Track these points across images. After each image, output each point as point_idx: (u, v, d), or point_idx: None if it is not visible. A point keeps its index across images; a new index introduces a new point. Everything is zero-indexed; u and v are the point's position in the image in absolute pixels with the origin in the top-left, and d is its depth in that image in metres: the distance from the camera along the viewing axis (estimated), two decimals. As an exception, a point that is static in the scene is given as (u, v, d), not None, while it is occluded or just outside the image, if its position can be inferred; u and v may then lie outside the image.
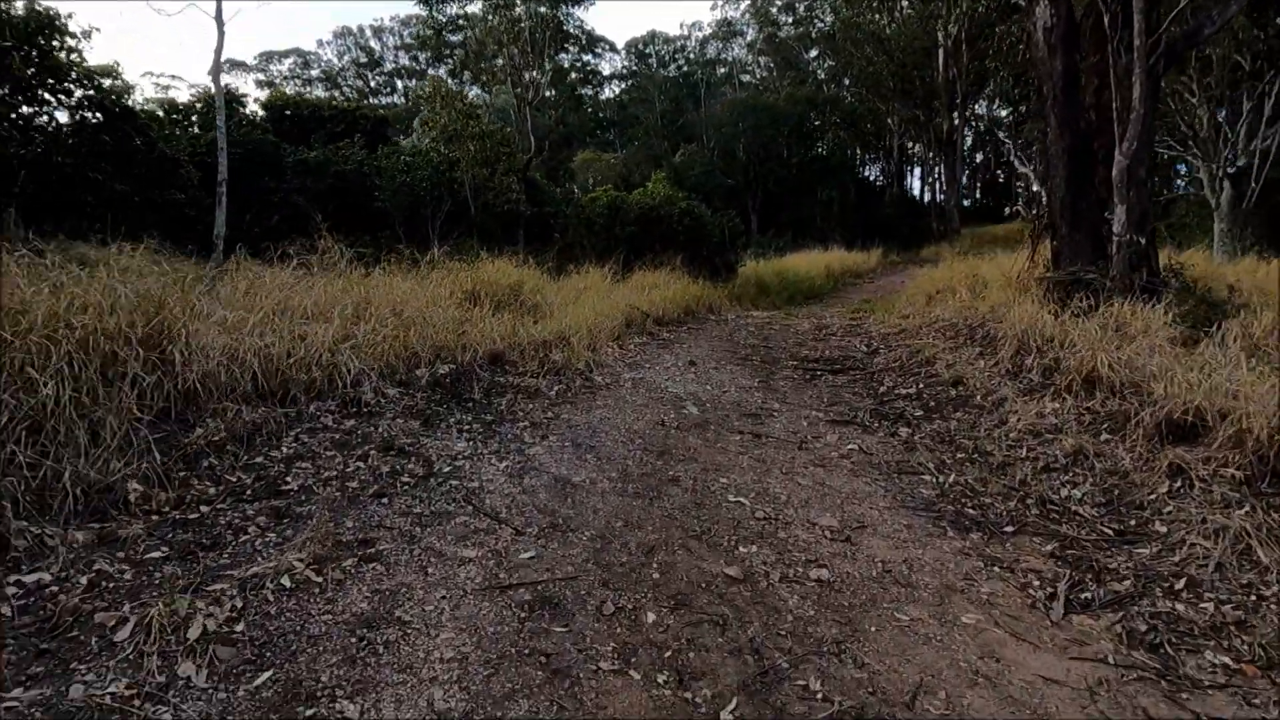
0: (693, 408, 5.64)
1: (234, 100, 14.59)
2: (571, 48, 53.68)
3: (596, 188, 16.38)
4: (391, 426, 4.33)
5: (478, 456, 4.21)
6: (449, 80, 37.92)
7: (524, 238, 13.63)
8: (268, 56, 59.40)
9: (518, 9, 20.58)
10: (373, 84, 62.43)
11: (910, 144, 47.85)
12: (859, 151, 46.98)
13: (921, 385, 6.49)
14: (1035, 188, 8.97)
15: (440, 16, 41.88)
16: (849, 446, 4.91)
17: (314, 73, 61.50)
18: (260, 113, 15.14)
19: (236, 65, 56.01)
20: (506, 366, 6.16)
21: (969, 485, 4.15)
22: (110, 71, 11.06)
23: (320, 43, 77.17)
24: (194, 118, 13.81)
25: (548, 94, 46.64)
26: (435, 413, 4.76)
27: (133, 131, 10.84)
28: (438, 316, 6.10)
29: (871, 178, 49.72)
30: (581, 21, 50.55)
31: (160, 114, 13.57)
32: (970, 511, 3.81)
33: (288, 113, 15.47)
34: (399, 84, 61.59)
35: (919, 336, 8.23)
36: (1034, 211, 8.90)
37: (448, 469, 3.99)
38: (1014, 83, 41.41)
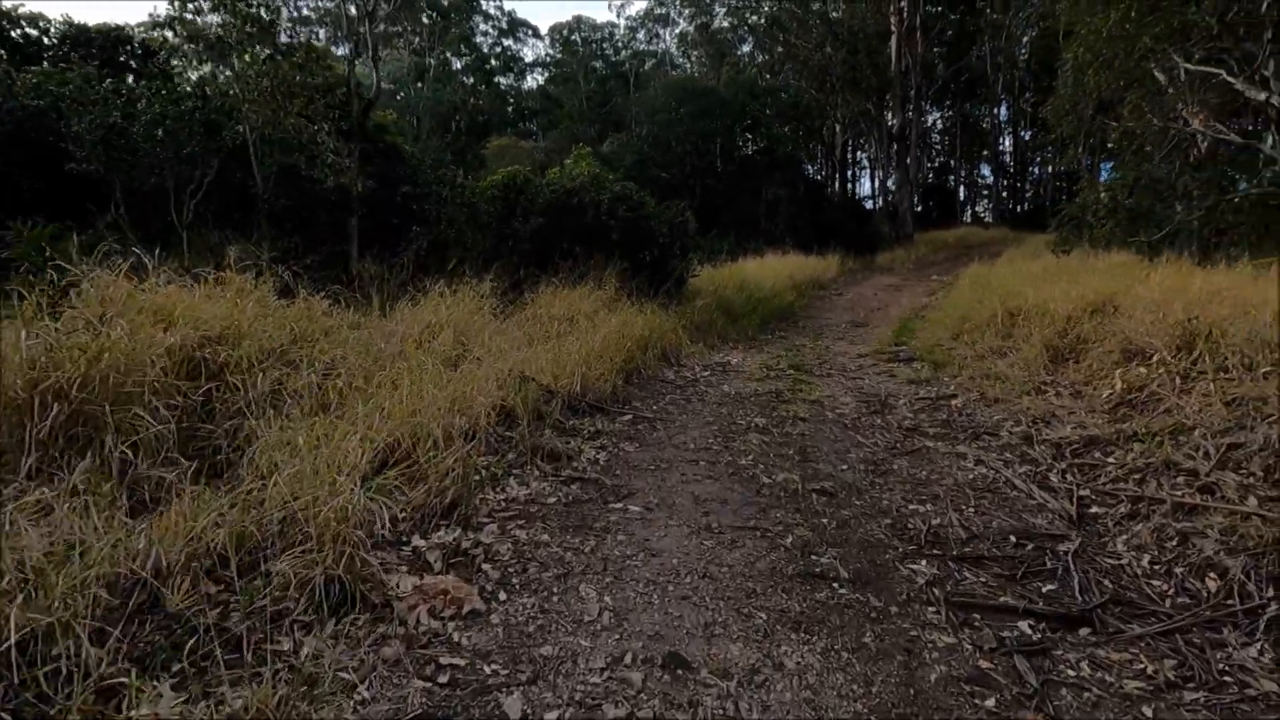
0: None
1: None
2: (490, 29, 47.79)
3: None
4: None
5: None
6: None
7: (360, 233, 8.31)
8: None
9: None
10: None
11: (853, 143, 44.67)
12: (797, 148, 43.18)
13: None
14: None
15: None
16: None
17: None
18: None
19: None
20: None
21: None
22: None
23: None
24: None
25: (466, 80, 40.57)
26: None
27: None
28: None
29: (814, 177, 46.10)
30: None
31: None
32: None
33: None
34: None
35: (1165, 473, 3.61)
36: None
37: None
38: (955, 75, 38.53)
